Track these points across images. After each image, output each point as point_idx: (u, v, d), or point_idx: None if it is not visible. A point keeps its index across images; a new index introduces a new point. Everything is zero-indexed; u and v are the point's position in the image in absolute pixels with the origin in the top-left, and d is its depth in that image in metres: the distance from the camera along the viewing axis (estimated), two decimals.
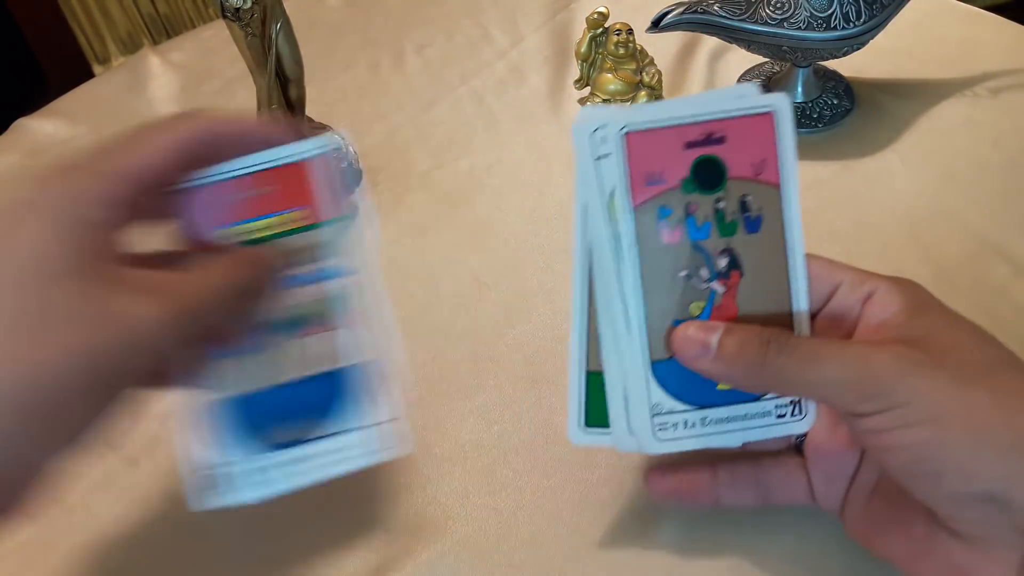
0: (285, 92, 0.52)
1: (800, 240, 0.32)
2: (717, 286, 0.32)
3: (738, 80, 0.61)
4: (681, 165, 0.31)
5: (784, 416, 0.33)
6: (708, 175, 0.31)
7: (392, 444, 0.34)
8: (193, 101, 0.67)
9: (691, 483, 0.34)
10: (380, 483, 0.40)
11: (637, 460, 0.39)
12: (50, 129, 0.65)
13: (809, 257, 0.32)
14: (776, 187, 0.32)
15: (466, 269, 0.51)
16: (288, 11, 0.50)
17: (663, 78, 0.60)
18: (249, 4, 0.47)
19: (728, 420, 0.33)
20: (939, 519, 0.29)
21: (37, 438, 0.25)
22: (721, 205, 0.31)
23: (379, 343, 0.33)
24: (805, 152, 0.55)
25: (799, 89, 0.58)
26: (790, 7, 0.50)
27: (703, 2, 0.52)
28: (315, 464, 0.33)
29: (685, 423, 0.32)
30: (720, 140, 0.31)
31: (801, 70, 0.58)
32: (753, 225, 0.32)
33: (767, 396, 0.33)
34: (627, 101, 0.58)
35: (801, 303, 0.32)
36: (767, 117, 0.31)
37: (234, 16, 0.47)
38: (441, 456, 0.41)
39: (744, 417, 0.33)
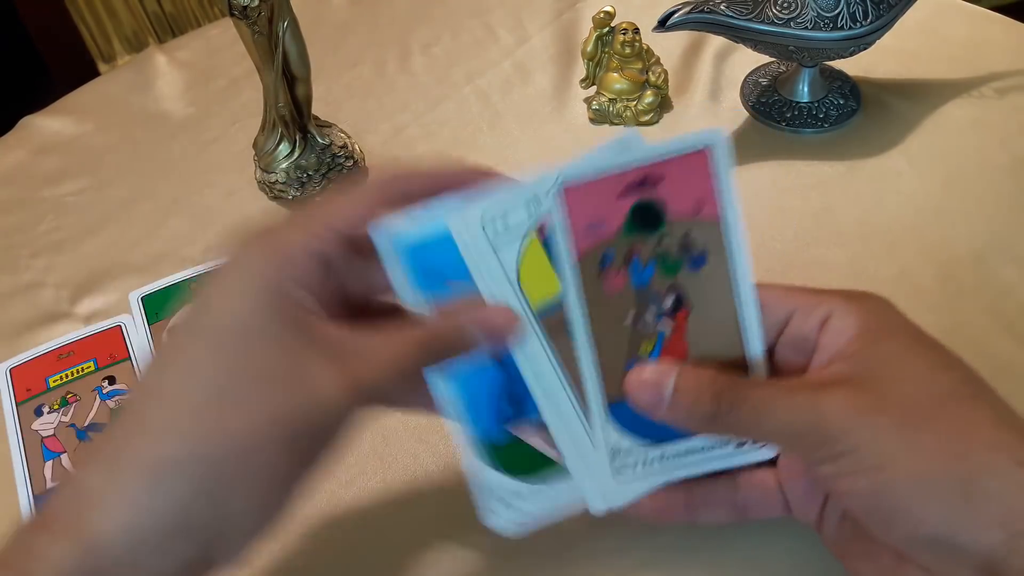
0: (292, 90, 0.53)
1: (747, 272, 0.31)
2: (664, 326, 0.32)
3: (744, 79, 0.61)
4: (619, 212, 0.31)
5: (744, 445, 0.32)
6: (645, 219, 0.31)
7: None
8: (199, 100, 0.67)
9: (666, 503, 0.33)
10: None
11: None
12: (56, 127, 0.66)
13: (760, 287, 0.32)
14: (717, 222, 0.31)
15: None
16: (295, 10, 0.50)
17: (669, 77, 0.60)
18: (256, 2, 0.47)
19: (688, 453, 0.32)
20: (904, 555, 0.29)
21: (242, 499, 0.26)
22: (663, 246, 0.31)
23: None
24: (811, 152, 0.55)
25: (805, 89, 0.58)
26: (797, 7, 0.50)
27: (709, 2, 0.52)
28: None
29: (644, 462, 0.32)
30: (656, 182, 0.31)
31: (807, 70, 0.58)
32: (696, 262, 0.32)
33: None
34: (633, 100, 0.58)
35: (754, 339, 0.32)
36: (702, 154, 0.31)
37: (241, 14, 0.47)
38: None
39: (703, 449, 0.32)
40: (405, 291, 0.31)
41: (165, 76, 0.70)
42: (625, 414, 0.32)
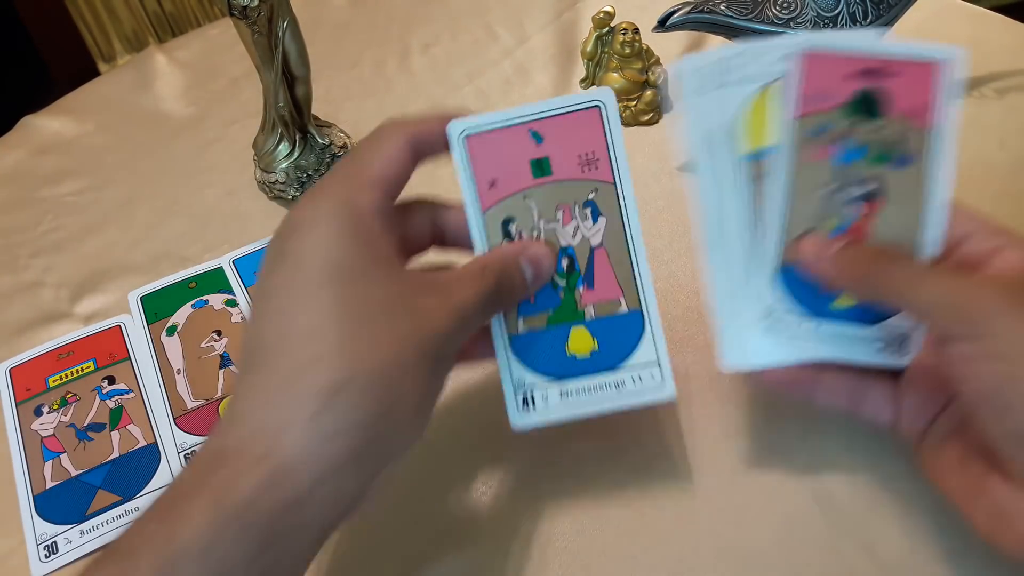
0: (291, 90, 0.53)
1: (946, 184, 0.33)
2: (854, 210, 0.34)
3: None
4: (845, 91, 0.33)
5: (886, 349, 0.34)
6: (868, 105, 0.33)
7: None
8: (199, 99, 0.67)
9: (796, 375, 0.36)
10: None
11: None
12: (56, 127, 0.66)
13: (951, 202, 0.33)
14: (931, 130, 0.33)
15: None
16: (295, 9, 0.50)
17: (668, 78, 0.60)
18: (256, 2, 0.47)
19: (834, 336, 0.35)
20: (997, 460, 0.30)
21: (402, 416, 0.28)
22: (876, 135, 0.33)
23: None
24: None
25: None
26: (797, 7, 0.50)
27: (709, 1, 0.52)
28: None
29: (796, 329, 0.35)
30: (887, 76, 0.33)
31: None
32: (902, 161, 0.34)
33: (876, 324, 0.34)
34: (632, 100, 0.58)
35: (931, 245, 0.33)
36: (933, 66, 0.33)
37: (241, 14, 0.47)
38: (467, 445, 0.41)
39: (850, 339, 0.35)
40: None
41: (165, 76, 0.70)
42: (790, 279, 0.35)
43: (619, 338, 0.35)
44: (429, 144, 0.34)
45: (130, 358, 0.48)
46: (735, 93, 0.34)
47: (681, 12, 0.52)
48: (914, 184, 0.33)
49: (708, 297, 0.35)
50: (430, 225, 0.36)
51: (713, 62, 0.34)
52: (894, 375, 0.35)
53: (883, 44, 0.33)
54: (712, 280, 0.35)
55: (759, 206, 0.34)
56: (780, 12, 0.51)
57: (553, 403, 0.35)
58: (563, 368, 0.35)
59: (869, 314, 0.35)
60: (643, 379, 0.35)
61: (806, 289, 0.35)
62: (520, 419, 0.35)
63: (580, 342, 0.35)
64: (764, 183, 0.34)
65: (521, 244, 0.35)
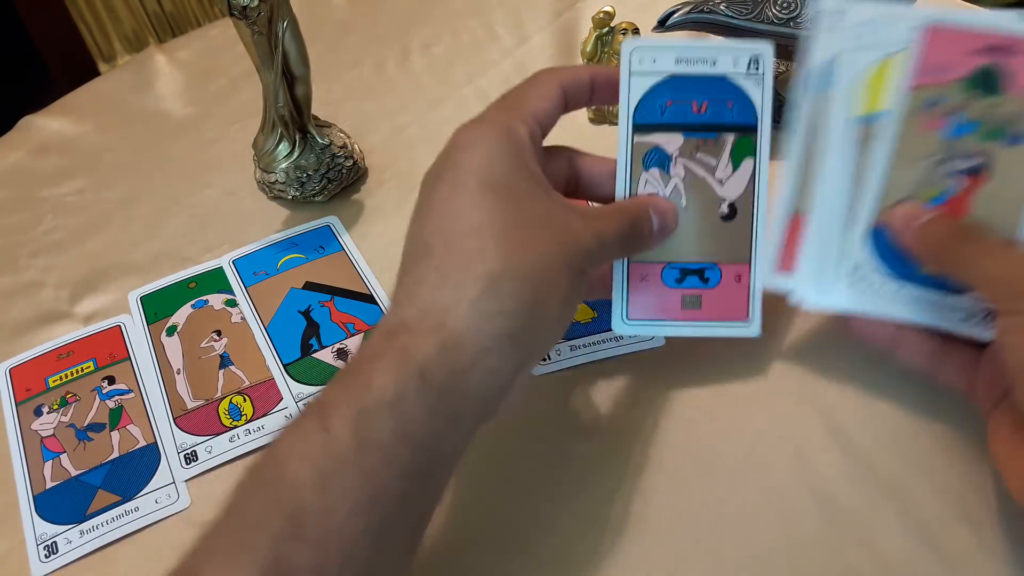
0: (291, 90, 0.53)
1: None
2: (956, 183, 0.35)
3: None
4: (966, 66, 0.34)
5: (972, 319, 0.35)
6: (987, 81, 0.34)
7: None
8: (199, 99, 0.67)
9: (878, 326, 0.38)
10: None
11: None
12: (56, 126, 0.66)
13: None
14: None
15: None
16: (295, 9, 0.50)
17: None
18: (256, 2, 0.47)
19: (918, 301, 0.36)
20: None
21: (549, 312, 0.32)
22: (991, 112, 0.34)
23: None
24: None
25: None
26: (796, 6, 0.50)
27: (709, 1, 0.52)
28: None
29: (880, 286, 0.36)
30: (1011, 55, 0.34)
31: None
32: (1014, 140, 0.34)
33: (964, 294, 0.35)
34: None
35: None
36: None
37: (241, 14, 0.47)
38: None
39: (934, 305, 0.36)
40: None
41: (165, 76, 0.70)
42: (881, 241, 0.36)
43: None
44: (577, 91, 0.37)
45: (130, 358, 0.48)
46: (862, 57, 0.35)
47: (681, 12, 0.52)
48: (1023, 164, 0.34)
49: (802, 244, 0.37)
50: (567, 170, 0.39)
51: (859, 23, 0.35)
52: (976, 345, 0.36)
53: (1013, 23, 0.34)
54: (809, 228, 0.37)
55: (863, 167, 0.36)
56: (780, 12, 0.51)
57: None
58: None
59: (953, 285, 0.35)
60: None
61: (895, 252, 0.36)
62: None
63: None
64: (871, 146, 0.35)
65: (650, 198, 0.38)
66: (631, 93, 0.37)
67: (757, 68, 0.37)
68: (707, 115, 0.37)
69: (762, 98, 0.37)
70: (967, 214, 0.35)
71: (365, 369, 0.30)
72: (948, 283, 0.36)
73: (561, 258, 0.32)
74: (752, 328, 0.38)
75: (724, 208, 0.38)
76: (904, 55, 0.35)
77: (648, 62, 0.37)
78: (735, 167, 0.38)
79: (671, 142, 0.38)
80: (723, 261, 0.38)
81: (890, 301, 0.36)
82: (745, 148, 0.38)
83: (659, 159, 0.38)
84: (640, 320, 0.38)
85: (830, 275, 0.37)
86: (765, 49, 0.37)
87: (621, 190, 0.38)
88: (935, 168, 0.35)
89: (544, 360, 0.43)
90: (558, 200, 0.34)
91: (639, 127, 0.38)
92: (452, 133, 0.35)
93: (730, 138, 0.38)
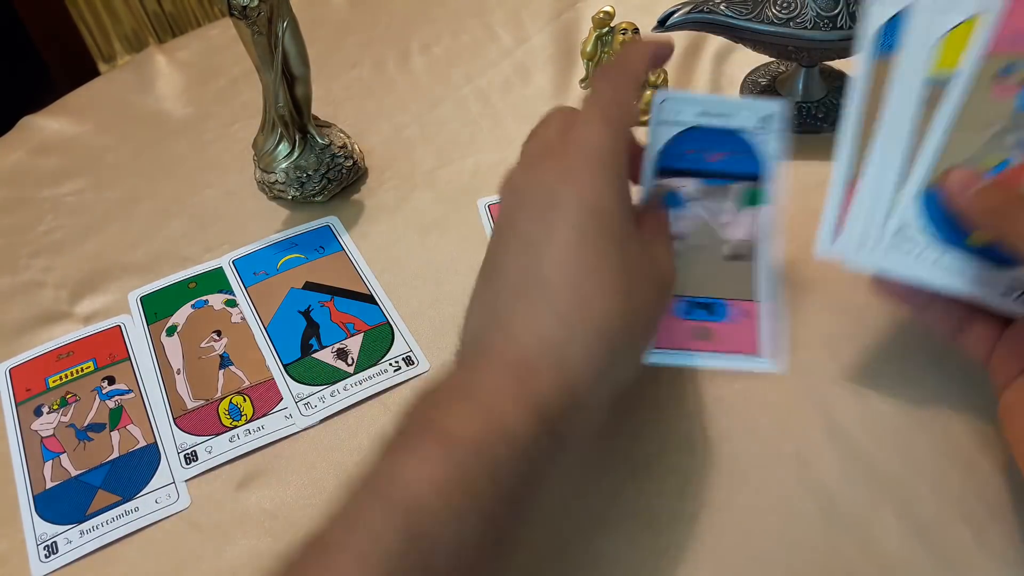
0: (291, 90, 0.53)
1: None
2: (1017, 154, 0.34)
3: (743, 79, 0.61)
4: None
5: (1008, 295, 0.35)
6: None
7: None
8: (199, 99, 0.67)
9: (909, 289, 0.37)
10: None
11: None
12: (56, 127, 0.66)
13: None
14: None
15: (471, 267, 0.51)
16: (295, 10, 0.50)
17: (668, 78, 0.60)
18: (256, 2, 0.47)
19: (958, 271, 0.35)
20: None
21: (639, 349, 0.34)
22: None
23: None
24: (810, 152, 0.55)
25: (805, 89, 0.58)
26: (796, 7, 0.50)
27: (709, 1, 0.52)
28: None
29: (923, 250, 0.36)
30: None
31: (807, 70, 0.58)
32: None
33: (1006, 269, 0.35)
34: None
35: None
36: None
37: (241, 14, 0.47)
38: None
39: (974, 277, 0.35)
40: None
41: (165, 76, 0.70)
42: (932, 204, 0.36)
43: None
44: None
45: (130, 358, 0.48)
46: (939, 19, 0.35)
47: (681, 12, 0.52)
48: None
49: (852, 203, 0.37)
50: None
51: None
52: (1003, 319, 0.36)
53: None
54: (860, 187, 0.37)
55: (926, 128, 0.35)
56: (780, 12, 0.51)
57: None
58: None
59: (999, 257, 0.35)
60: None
61: (945, 216, 0.35)
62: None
63: None
64: (937, 108, 0.35)
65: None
66: (657, 139, 0.39)
67: (771, 125, 0.38)
68: (720, 164, 0.39)
69: (770, 152, 0.39)
70: (1021, 186, 0.34)
71: (485, 400, 0.30)
72: (992, 255, 0.35)
73: (656, 294, 0.34)
74: (768, 363, 0.38)
75: (726, 249, 0.39)
76: (984, 18, 0.34)
77: (674, 112, 0.38)
78: (741, 211, 0.39)
79: (687, 186, 0.40)
80: (729, 297, 0.39)
81: (930, 267, 0.36)
82: (751, 196, 0.39)
83: (675, 201, 0.40)
84: (661, 349, 0.39)
85: (874, 235, 0.37)
86: (779, 108, 0.38)
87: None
88: (1000, 137, 0.34)
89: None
90: (646, 234, 0.36)
91: (661, 171, 0.39)
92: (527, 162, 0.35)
93: (738, 186, 0.39)
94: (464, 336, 0.34)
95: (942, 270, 0.36)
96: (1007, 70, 0.34)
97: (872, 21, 0.38)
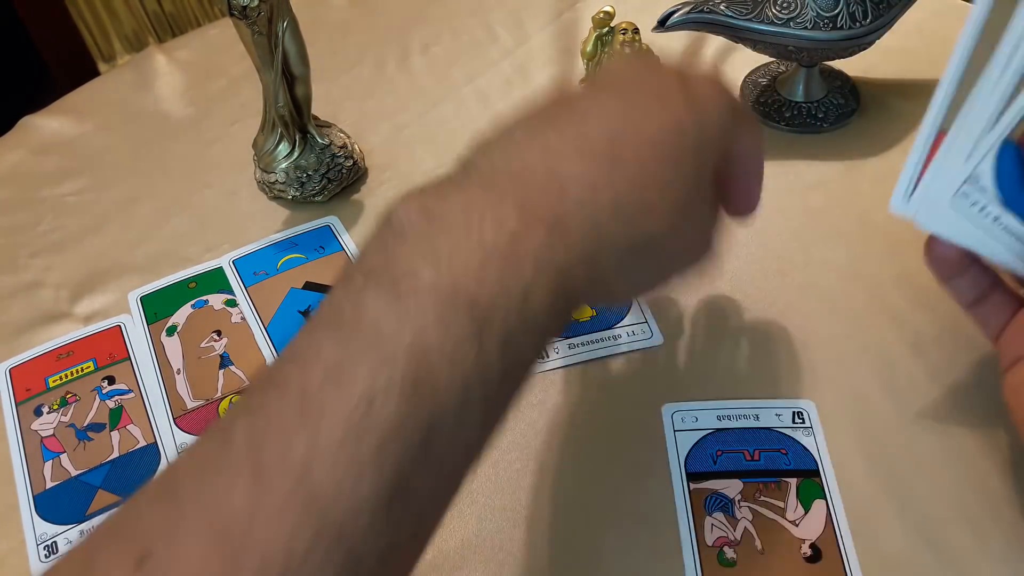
0: (291, 90, 0.53)
1: None
2: None
3: (743, 79, 0.61)
4: None
5: None
6: None
7: None
8: (199, 99, 0.67)
9: (953, 250, 0.35)
10: None
11: None
12: (55, 127, 0.66)
13: None
14: None
15: None
16: (294, 9, 0.50)
17: None
18: (256, 2, 0.47)
19: (1014, 236, 0.33)
20: None
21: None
22: None
23: None
24: (810, 152, 0.55)
25: (805, 89, 0.58)
26: (796, 7, 0.50)
27: (709, 1, 0.52)
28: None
29: (982, 208, 0.34)
30: None
31: (807, 70, 0.58)
32: None
33: None
34: None
35: None
36: None
37: (241, 14, 0.47)
38: None
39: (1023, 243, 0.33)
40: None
41: (165, 76, 0.70)
42: (1008, 158, 0.33)
43: None
44: None
45: (130, 358, 0.48)
46: None
47: (681, 12, 0.52)
48: None
49: (942, 147, 0.35)
50: None
51: None
52: (1020, 299, 0.36)
53: None
54: (945, 140, 0.34)
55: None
56: (780, 12, 0.51)
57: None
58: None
59: None
60: None
61: (1016, 175, 0.33)
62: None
63: None
64: None
65: None
66: (679, 446, 0.38)
67: (803, 420, 0.37)
68: (763, 462, 0.38)
69: (816, 445, 0.37)
70: None
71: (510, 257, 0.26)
72: None
73: (700, 240, 0.32)
74: None
75: (806, 549, 0.36)
76: None
77: (691, 420, 0.37)
78: (806, 509, 0.37)
79: (730, 487, 0.37)
80: None
81: (992, 228, 0.34)
82: (812, 490, 0.37)
83: (721, 503, 0.37)
84: None
85: (941, 187, 0.34)
86: (808, 405, 0.38)
87: (685, 535, 0.37)
88: None
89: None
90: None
91: (692, 475, 0.38)
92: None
93: (793, 481, 0.37)
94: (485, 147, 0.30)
95: (994, 235, 0.34)
96: None
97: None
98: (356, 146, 0.58)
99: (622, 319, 0.45)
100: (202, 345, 0.48)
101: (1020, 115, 0.33)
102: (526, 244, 0.26)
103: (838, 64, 0.59)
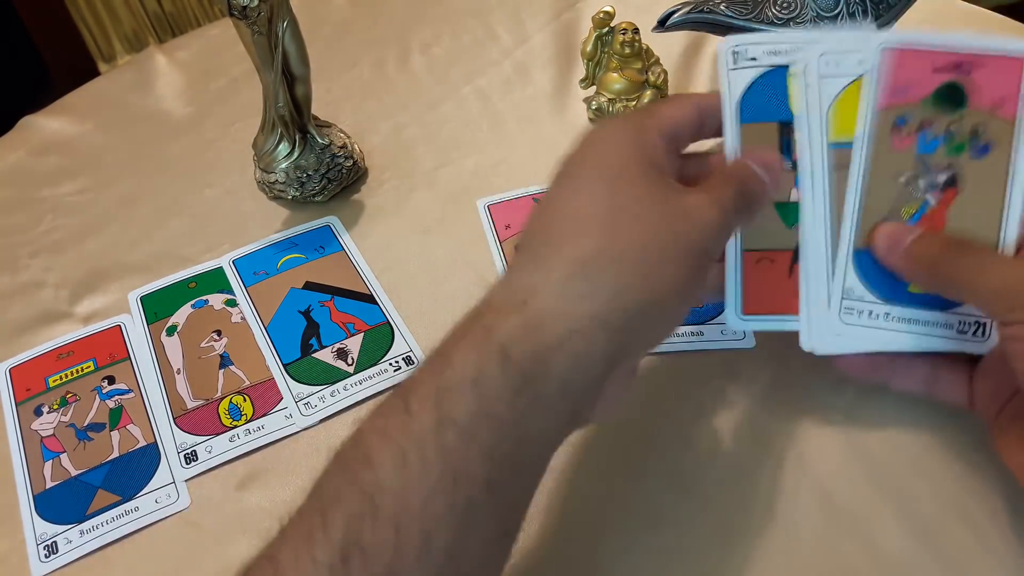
0: (291, 90, 0.53)
1: None
2: (932, 197, 0.35)
3: None
4: (927, 85, 0.34)
5: (966, 333, 0.35)
6: (951, 97, 0.34)
7: None
8: (199, 99, 0.67)
9: (871, 362, 0.37)
10: None
11: None
12: (56, 126, 0.66)
13: None
14: (1012, 122, 0.34)
15: (471, 267, 0.51)
16: (294, 9, 0.50)
17: (668, 77, 0.60)
18: (256, 2, 0.47)
19: (911, 322, 0.36)
20: None
21: (648, 302, 0.31)
22: (954, 127, 0.34)
23: None
24: None
25: None
26: (796, 6, 0.50)
27: (709, 1, 0.52)
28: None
29: (870, 313, 0.36)
30: (970, 70, 0.34)
31: None
32: (981, 151, 0.34)
33: (953, 309, 0.35)
34: (632, 100, 0.58)
35: (1010, 230, 0.34)
36: (1018, 61, 0.34)
37: (241, 14, 0.47)
38: None
39: (927, 324, 0.36)
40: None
41: (165, 76, 0.70)
42: (865, 264, 0.36)
43: None
44: (713, 114, 0.37)
45: (130, 358, 0.48)
46: (829, 84, 0.35)
47: (681, 12, 0.52)
48: (992, 173, 0.34)
49: (800, 286, 0.37)
50: (703, 168, 0.38)
51: (822, 52, 0.35)
52: (968, 358, 0.36)
53: (972, 39, 0.34)
54: (801, 264, 0.37)
55: (839, 189, 0.36)
56: (780, 12, 0.51)
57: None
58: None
59: (942, 300, 0.35)
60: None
61: (881, 274, 0.36)
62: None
63: None
64: (848, 170, 0.36)
65: (748, 153, 0.37)
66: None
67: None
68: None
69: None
70: (944, 227, 0.35)
71: (448, 349, 0.30)
72: (938, 299, 0.35)
73: (672, 239, 0.31)
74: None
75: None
76: (870, 77, 0.35)
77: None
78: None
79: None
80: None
81: (884, 330, 0.36)
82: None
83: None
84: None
85: (824, 311, 0.36)
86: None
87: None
88: (911, 184, 0.35)
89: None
90: (677, 188, 0.33)
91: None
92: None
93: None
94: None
95: (894, 329, 0.36)
96: (901, 120, 0.35)
97: (732, 91, 0.37)
98: (356, 146, 0.58)
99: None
100: (202, 345, 0.48)
101: (854, 230, 0.36)
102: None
103: None
